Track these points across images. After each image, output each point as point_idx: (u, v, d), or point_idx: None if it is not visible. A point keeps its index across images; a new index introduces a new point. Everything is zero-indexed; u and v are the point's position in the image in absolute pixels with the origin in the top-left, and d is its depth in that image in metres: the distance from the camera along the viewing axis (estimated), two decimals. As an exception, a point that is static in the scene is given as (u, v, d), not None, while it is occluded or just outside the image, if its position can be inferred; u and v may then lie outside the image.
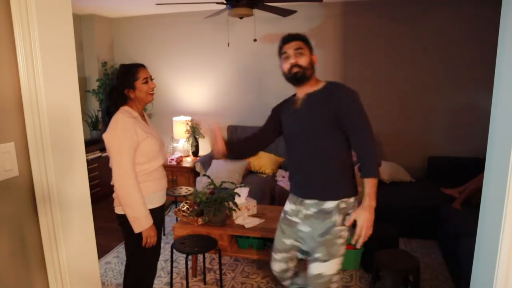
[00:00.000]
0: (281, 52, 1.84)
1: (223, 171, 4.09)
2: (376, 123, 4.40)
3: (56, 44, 1.24)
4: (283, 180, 4.04)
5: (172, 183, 4.53)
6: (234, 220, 2.94)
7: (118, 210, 1.94)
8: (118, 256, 3.27)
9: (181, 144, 4.95)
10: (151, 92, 1.96)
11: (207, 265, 3.11)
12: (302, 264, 2.05)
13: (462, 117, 4.16)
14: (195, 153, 4.89)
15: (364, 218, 1.71)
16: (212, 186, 3.00)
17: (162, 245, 3.27)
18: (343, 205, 1.76)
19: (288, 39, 1.83)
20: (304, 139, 1.77)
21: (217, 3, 3.34)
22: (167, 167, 4.51)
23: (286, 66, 1.78)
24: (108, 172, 1.90)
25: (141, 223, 1.85)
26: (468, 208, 3.17)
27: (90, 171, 4.24)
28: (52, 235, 1.28)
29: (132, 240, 1.94)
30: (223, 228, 2.88)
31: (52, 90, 1.22)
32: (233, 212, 2.90)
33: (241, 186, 3.23)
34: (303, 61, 1.76)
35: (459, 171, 3.95)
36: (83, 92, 4.95)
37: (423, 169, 4.30)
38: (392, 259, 2.45)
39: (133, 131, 1.84)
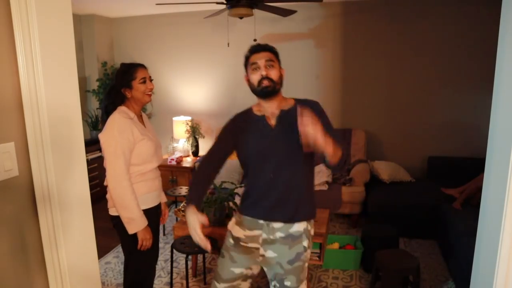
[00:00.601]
0: (248, 63, 1.69)
1: (223, 171, 4.07)
2: (376, 123, 4.45)
3: (56, 44, 1.24)
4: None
5: (172, 183, 4.53)
6: (234, 220, 2.94)
7: (112, 212, 1.92)
8: (118, 256, 3.27)
9: (181, 144, 4.95)
10: (149, 92, 1.93)
11: (207, 265, 3.11)
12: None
13: (462, 117, 4.16)
14: (195, 153, 4.89)
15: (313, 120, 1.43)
16: (212, 186, 3.00)
17: (162, 245, 3.28)
18: (309, 227, 1.70)
19: (257, 49, 1.68)
20: (279, 159, 1.64)
21: (217, 3, 3.34)
22: (167, 167, 4.51)
23: (256, 77, 1.63)
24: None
25: (136, 224, 1.84)
26: (468, 208, 3.17)
27: (90, 171, 4.24)
28: (52, 235, 1.28)
29: (128, 241, 1.93)
30: (223, 228, 2.87)
31: (52, 90, 1.22)
32: (233, 212, 2.90)
33: (241, 186, 3.23)
34: (274, 74, 1.63)
35: (459, 171, 3.96)
36: (83, 92, 4.95)
37: (423, 169, 4.30)
38: (392, 259, 2.45)
39: (129, 132, 1.83)
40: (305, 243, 1.67)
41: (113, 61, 5.21)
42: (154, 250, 2.02)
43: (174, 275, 2.95)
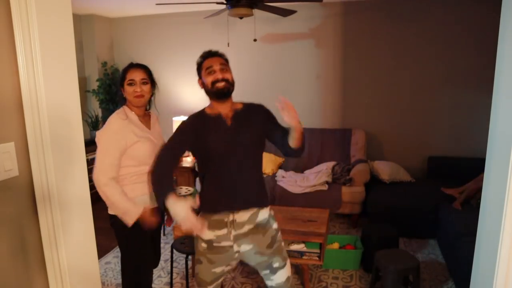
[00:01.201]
0: (202, 67, 1.81)
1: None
2: (376, 123, 4.45)
3: (56, 44, 1.24)
4: (283, 180, 4.04)
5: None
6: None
7: (110, 210, 1.93)
8: (118, 256, 3.27)
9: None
10: (137, 95, 1.88)
11: (207, 265, 3.10)
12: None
13: (462, 117, 4.16)
14: (195, 153, 4.89)
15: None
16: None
17: (162, 245, 3.27)
18: (272, 212, 1.85)
19: (210, 54, 1.82)
20: (240, 153, 1.74)
21: (217, 3, 3.34)
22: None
23: (210, 79, 1.74)
24: None
25: (130, 215, 1.81)
26: (468, 208, 3.17)
27: (90, 171, 4.22)
28: (52, 235, 1.28)
29: (122, 240, 1.94)
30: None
31: (52, 90, 1.22)
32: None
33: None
34: (229, 76, 1.77)
35: (459, 171, 3.95)
36: (83, 92, 4.95)
37: (423, 169, 4.30)
38: (392, 259, 2.45)
39: (122, 134, 1.81)
40: (275, 225, 1.82)
41: (113, 61, 5.21)
42: (145, 249, 1.99)
43: (174, 275, 2.95)
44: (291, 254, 2.62)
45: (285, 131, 1.81)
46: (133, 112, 1.93)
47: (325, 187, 3.83)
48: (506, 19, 1.28)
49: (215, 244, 1.76)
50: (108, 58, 5.14)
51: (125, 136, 1.82)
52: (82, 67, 5.00)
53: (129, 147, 1.84)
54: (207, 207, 1.77)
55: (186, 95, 5.07)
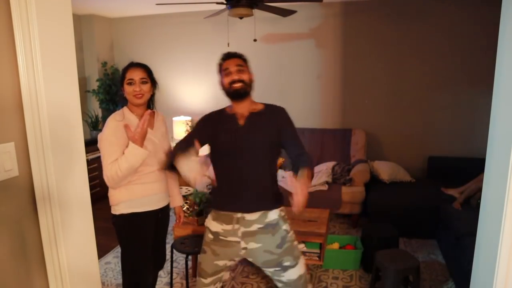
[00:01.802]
0: (221, 69, 1.85)
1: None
2: (376, 123, 4.45)
3: (56, 44, 1.24)
4: (283, 180, 4.04)
5: (172, 183, 4.54)
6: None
7: (114, 210, 1.93)
8: (118, 256, 3.27)
9: (181, 144, 4.95)
10: (136, 94, 1.86)
11: (207, 265, 3.10)
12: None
13: (462, 117, 4.16)
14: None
15: (302, 187, 1.55)
16: (211, 186, 3.00)
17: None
18: (282, 213, 1.83)
19: (228, 56, 1.86)
20: (249, 154, 1.76)
21: (217, 3, 3.34)
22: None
23: (227, 80, 1.80)
24: None
25: (135, 157, 1.79)
26: (468, 208, 3.17)
27: (90, 171, 4.24)
28: (52, 235, 1.28)
29: (123, 239, 1.94)
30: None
31: (52, 90, 1.22)
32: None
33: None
34: (246, 77, 1.80)
35: (459, 171, 3.95)
36: (83, 92, 4.95)
37: (423, 169, 4.30)
38: (392, 259, 2.45)
39: (120, 133, 1.82)
40: (285, 227, 1.80)
41: (113, 61, 5.21)
42: (149, 249, 1.99)
43: (174, 275, 2.95)
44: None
45: (298, 147, 1.81)
46: (134, 113, 1.91)
47: (325, 187, 3.83)
48: (506, 19, 1.28)
49: (221, 237, 1.79)
50: (108, 58, 5.14)
51: (117, 138, 1.81)
52: (82, 67, 5.00)
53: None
54: (217, 203, 1.84)
55: (186, 95, 5.07)
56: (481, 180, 3.13)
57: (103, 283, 2.88)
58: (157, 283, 2.86)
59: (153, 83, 1.98)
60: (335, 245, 3.05)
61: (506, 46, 1.27)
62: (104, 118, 5.01)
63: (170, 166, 1.79)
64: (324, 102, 4.59)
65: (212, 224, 1.83)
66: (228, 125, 1.83)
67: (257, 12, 3.52)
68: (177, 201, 2.16)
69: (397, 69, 4.29)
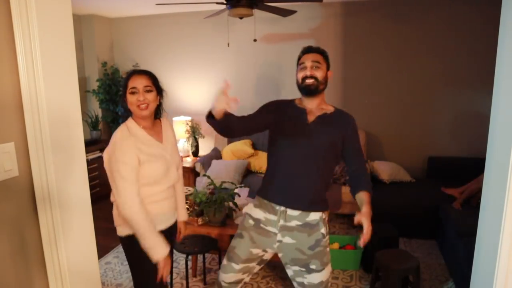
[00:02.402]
0: (299, 62, 1.84)
1: (223, 171, 4.09)
2: (376, 123, 4.44)
3: (56, 44, 1.24)
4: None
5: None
6: (234, 220, 2.94)
7: (119, 232, 1.75)
8: (118, 256, 3.27)
9: (181, 144, 4.95)
10: (139, 105, 1.65)
11: (207, 265, 3.11)
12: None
13: (462, 117, 4.16)
14: (195, 153, 4.89)
15: (368, 222, 1.72)
16: (212, 186, 3.00)
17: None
18: (324, 216, 1.85)
19: (308, 50, 1.83)
20: (309, 152, 1.75)
21: (217, 3, 3.34)
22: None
23: (301, 75, 1.79)
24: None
25: (156, 251, 1.60)
26: (468, 208, 3.17)
27: (90, 171, 4.24)
28: (52, 235, 1.28)
29: (130, 262, 1.79)
30: (223, 228, 2.88)
31: (52, 90, 1.22)
32: (233, 212, 2.90)
33: (241, 186, 3.23)
34: (319, 74, 1.79)
35: (459, 171, 3.96)
36: (83, 92, 4.95)
37: (423, 169, 4.30)
38: (392, 259, 2.45)
39: (131, 154, 1.61)
40: (323, 230, 1.81)
41: (113, 61, 5.21)
42: (153, 271, 1.74)
43: (174, 275, 2.95)
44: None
45: (359, 162, 1.82)
46: (140, 126, 1.70)
47: (325, 187, 3.82)
48: (506, 19, 1.28)
49: (261, 225, 1.82)
50: (108, 58, 5.14)
51: (132, 157, 1.61)
52: (82, 67, 5.00)
53: (140, 166, 1.65)
54: (263, 192, 1.85)
55: (186, 95, 5.07)
56: (481, 181, 3.12)
57: (103, 283, 2.88)
58: (157, 283, 2.86)
59: (159, 91, 1.77)
60: (335, 245, 3.05)
61: (506, 46, 1.27)
62: (104, 118, 5.03)
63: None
64: (324, 102, 4.59)
65: (255, 211, 1.84)
66: (295, 118, 1.80)
67: (257, 12, 3.52)
68: (182, 215, 1.99)
69: (397, 69, 4.28)
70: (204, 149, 5.05)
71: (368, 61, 4.36)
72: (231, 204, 2.85)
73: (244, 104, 1.82)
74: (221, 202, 2.80)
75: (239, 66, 4.78)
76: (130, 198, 1.59)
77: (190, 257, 2.79)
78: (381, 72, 4.34)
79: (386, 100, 4.37)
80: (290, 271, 1.85)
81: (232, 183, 3.32)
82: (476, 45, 3.97)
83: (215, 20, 4.43)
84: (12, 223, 1.21)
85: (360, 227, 1.63)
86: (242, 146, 4.42)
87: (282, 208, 1.77)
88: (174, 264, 3.11)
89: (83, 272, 1.40)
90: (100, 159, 4.53)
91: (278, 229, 1.79)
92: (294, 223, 1.77)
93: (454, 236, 2.80)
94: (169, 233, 1.82)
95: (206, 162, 4.42)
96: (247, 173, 4.33)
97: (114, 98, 4.84)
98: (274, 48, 4.62)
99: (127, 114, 1.72)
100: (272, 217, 1.79)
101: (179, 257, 3.21)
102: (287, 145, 1.79)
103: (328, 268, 1.83)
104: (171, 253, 1.82)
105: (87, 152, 1.32)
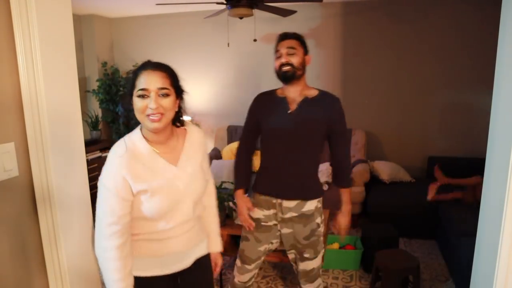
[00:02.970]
0: (275, 50, 1.85)
1: (223, 171, 4.09)
2: (376, 123, 4.44)
3: (56, 44, 1.24)
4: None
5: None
6: (234, 220, 2.94)
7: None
8: (118, 256, 3.26)
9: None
10: (150, 114, 1.17)
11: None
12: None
13: (462, 117, 4.16)
14: (195, 153, 4.88)
15: (345, 221, 1.92)
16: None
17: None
18: (319, 205, 1.88)
19: (283, 37, 1.83)
20: (295, 141, 1.77)
21: (217, 3, 3.34)
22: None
23: (277, 63, 1.80)
24: None
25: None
26: (468, 208, 3.16)
27: (90, 171, 4.21)
28: (52, 235, 1.28)
29: None
30: (223, 228, 2.87)
31: (52, 90, 1.22)
32: (233, 212, 2.90)
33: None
34: (295, 60, 1.76)
35: (459, 171, 3.95)
36: (83, 92, 4.95)
37: (423, 169, 4.30)
38: (392, 259, 2.45)
39: (119, 180, 1.16)
40: (318, 220, 1.86)
41: (113, 61, 5.21)
42: None
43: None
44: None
45: (343, 148, 1.90)
46: (149, 141, 1.24)
47: (325, 187, 3.82)
48: (506, 19, 1.28)
49: (262, 223, 1.86)
50: (108, 58, 5.14)
51: (123, 184, 1.17)
52: (82, 67, 5.00)
53: (134, 198, 1.20)
54: (258, 187, 1.89)
55: (186, 95, 5.06)
56: (474, 180, 3.13)
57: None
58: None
59: (179, 92, 1.33)
60: (335, 245, 3.05)
61: (506, 46, 1.27)
62: (104, 118, 5.02)
63: (236, 162, 1.94)
64: (324, 102, 4.58)
65: (255, 211, 1.88)
66: (277, 108, 1.81)
67: (257, 12, 3.52)
68: (215, 246, 1.52)
69: (397, 69, 4.28)
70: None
71: (368, 61, 4.36)
72: (231, 204, 2.85)
73: (244, 104, 1.81)
74: (221, 202, 2.80)
75: (239, 66, 4.78)
76: (99, 236, 1.19)
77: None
78: (381, 72, 4.34)
79: (386, 100, 4.37)
80: (291, 255, 1.94)
81: (232, 183, 3.32)
82: (477, 45, 3.96)
83: (215, 20, 4.43)
84: (12, 223, 1.21)
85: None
86: (242, 146, 4.42)
87: (278, 200, 1.81)
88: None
89: (83, 272, 1.40)
90: (100, 159, 4.53)
91: (279, 220, 1.85)
92: (290, 214, 1.81)
93: (454, 236, 2.80)
94: (182, 280, 1.37)
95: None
96: (247, 173, 4.32)
97: (114, 98, 4.83)
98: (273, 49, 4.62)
99: (135, 121, 1.24)
100: (270, 212, 1.84)
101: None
102: (273, 137, 1.81)
103: (321, 254, 1.92)
104: None
105: (87, 152, 1.29)
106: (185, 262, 1.36)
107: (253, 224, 1.83)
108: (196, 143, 1.36)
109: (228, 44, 4.34)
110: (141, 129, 1.25)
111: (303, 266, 1.90)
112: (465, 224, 2.79)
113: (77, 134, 1.36)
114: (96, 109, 5.01)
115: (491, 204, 1.36)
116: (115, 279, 1.19)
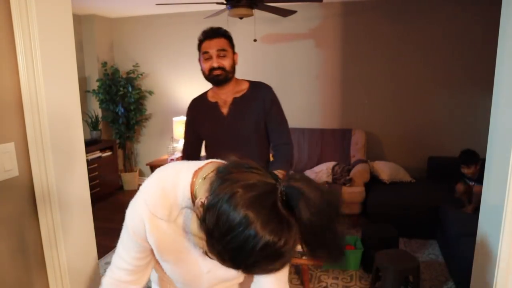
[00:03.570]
0: (201, 48, 1.68)
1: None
2: (376, 123, 4.44)
3: (56, 44, 1.24)
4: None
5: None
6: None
7: None
8: (118, 256, 3.26)
9: (181, 144, 4.95)
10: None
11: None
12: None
13: (462, 117, 4.16)
14: (195, 153, 4.89)
15: None
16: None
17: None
18: None
19: (210, 35, 1.65)
20: (237, 145, 1.71)
21: (217, 3, 3.34)
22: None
23: (207, 66, 1.67)
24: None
25: None
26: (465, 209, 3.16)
27: (90, 171, 4.24)
28: (52, 235, 1.28)
29: None
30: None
31: (52, 90, 1.22)
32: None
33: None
34: (227, 63, 1.66)
35: (459, 171, 3.95)
36: (83, 92, 4.95)
37: (423, 169, 4.30)
38: (392, 259, 2.45)
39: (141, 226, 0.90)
40: None
41: (113, 61, 5.21)
42: None
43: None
44: (291, 254, 2.63)
45: (281, 135, 1.76)
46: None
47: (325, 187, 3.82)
48: (506, 19, 1.28)
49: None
50: (108, 58, 5.14)
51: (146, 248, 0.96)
52: (82, 67, 5.00)
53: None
54: None
55: (186, 95, 5.06)
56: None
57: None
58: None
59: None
60: (335, 245, 3.04)
61: (506, 46, 1.27)
62: (104, 118, 5.02)
63: None
64: (324, 102, 4.59)
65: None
66: (210, 114, 1.73)
67: (257, 12, 3.52)
68: None
69: (397, 69, 4.28)
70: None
71: (368, 61, 4.36)
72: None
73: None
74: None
75: (239, 66, 4.77)
76: (109, 280, 0.99)
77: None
78: (381, 72, 4.34)
79: (386, 100, 4.37)
80: None
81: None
82: (477, 45, 3.97)
83: (215, 20, 4.42)
84: (12, 223, 1.21)
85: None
86: (242, 146, 4.42)
87: None
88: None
89: (83, 272, 1.40)
90: (100, 159, 4.53)
91: None
92: None
93: (454, 236, 2.80)
94: None
95: (206, 162, 4.41)
96: (247, 173, 4.32)
97: (114, 98, 4.83)
98: (274, 48, 4.62)
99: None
100: None
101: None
102: (214, 145, 1.74)
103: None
104: None
105: (87, 152, 1.28)
106: None
107: None
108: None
109: (228, 44, 4.33)
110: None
111: None
112: (465, 224, 2.79)
113: (77, 134, 1.36)
114: (96, 109, 5.01)
115: (491, 204, 1.36)
116: None
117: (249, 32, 4.43)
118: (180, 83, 5.04)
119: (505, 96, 1.28)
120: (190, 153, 1.86)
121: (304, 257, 2.68)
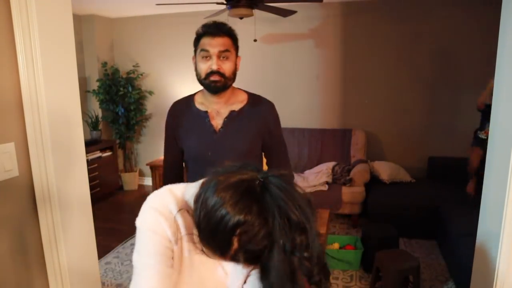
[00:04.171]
0: (199, 45, 1.39)
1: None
2: (376, 123, 4.44)
3: (56, 44, 1.24)
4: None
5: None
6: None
7: None
8: (118, 256, 3.27)
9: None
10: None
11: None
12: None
13: (462, 117, 4.16)
14: (195, 153, 4.89)
15: None
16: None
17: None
18: None
19: (213, 31, 1.36)
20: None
21: (217, 3, 3.34)
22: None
23: (204, 68, 1.37)
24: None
25: None
26: (468, 208, 3.16)
27: (90, 171, 4.24)
28: (52, 235, 1.28)
29: None
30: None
31: (52, 90, 1.22)
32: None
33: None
34: (228, 68, 1.37)
35: (459, 171, 3.95)
36: (83, 92, 4.95)
37: (423, 169, 4.30)
38: (392, 259, 2.45)
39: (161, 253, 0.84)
40: None
41: (113, 61, 5.21)
42: None
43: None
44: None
45: (280, 160, 1.53)
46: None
47: (325, 188, 3.82)
48: (506, 19, 1.28)
49: None
50: (108, 58, 5.14)
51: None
52: (82, 67, 5.00)
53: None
54: None
55: (186, 95, 5.06)
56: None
57: (103, 283, 2.88)
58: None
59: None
60: (335, 245, 3.05)
61: (506, 46, 1.27)
62: (104, 118, 5.02)
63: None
64: (324, 102, 4.59)
65: None
66: (198, 126, 1.43)
67: (257, 12, 3.52)
68: None
69: (397, 69, 4.28)
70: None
71: (368, 61, 4.36)
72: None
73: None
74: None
75: (239, 66, 4.77)
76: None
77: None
78: (381, 72, 4.34)
79: (386, 100, 4.37)
80: None
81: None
82: (476, 46, 3.96)
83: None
84: (12, 223, 1.21)
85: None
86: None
87: None
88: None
89: (83, 272, 1.40)
90: (100, 159, 4.53)
91: None
92: None
93: (454, 236, 2.80)
94: None
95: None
96: (247, 173, 4.32)
97: (114, 98, 4.83)
98: (274, 48, 4.63)
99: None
100: None
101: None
102: (196, 164, 1.44)
103: None
104: None
105: (87, 152, 1.26)
106: None
107: None
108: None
109: (228, 44, 4.33)
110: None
111: None
112: (465, 224, 2.79)
113: (77, 134, 1.36)
114: (96, 109, 5.02)
115: (491, 204, 1.36)
116: None
117: (249, 32, 4.43)
118: (180, 83, 5.04)
119: (505, 96, 1.28)
120: (171, 178, 1.50)
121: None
